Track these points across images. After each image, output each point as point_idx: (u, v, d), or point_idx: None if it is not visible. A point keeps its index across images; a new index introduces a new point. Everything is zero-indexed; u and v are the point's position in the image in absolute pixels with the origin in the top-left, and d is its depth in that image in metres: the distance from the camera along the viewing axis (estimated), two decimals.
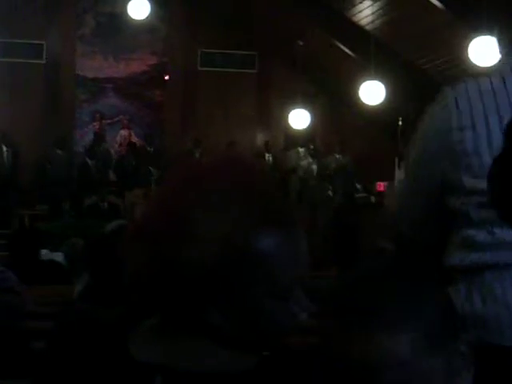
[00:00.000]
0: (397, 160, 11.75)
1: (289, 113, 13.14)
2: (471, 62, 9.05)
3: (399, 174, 11.30)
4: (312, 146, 13.65)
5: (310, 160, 13.51)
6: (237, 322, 1.12)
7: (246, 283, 1.11)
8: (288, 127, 13.57)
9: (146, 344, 1.14)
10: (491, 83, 1.75)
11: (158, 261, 1.11)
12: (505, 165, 1.23)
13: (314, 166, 13.44)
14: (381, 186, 12.44)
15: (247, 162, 1.19)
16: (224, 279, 1.10)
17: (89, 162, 12.97)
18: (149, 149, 13.59)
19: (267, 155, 13.67)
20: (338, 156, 13.49)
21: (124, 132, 14.34)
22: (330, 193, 12.31)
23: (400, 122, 11.63)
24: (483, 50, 8.95)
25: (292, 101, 13.18)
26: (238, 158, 1.20)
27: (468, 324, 1.68)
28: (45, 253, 6.21)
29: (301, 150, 13.68)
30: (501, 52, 8.60)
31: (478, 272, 1.72)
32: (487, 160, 1.65)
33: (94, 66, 14.26)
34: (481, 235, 1.72)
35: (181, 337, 1.13)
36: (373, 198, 11.95)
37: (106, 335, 1.17)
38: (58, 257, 6.35)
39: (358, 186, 12.77)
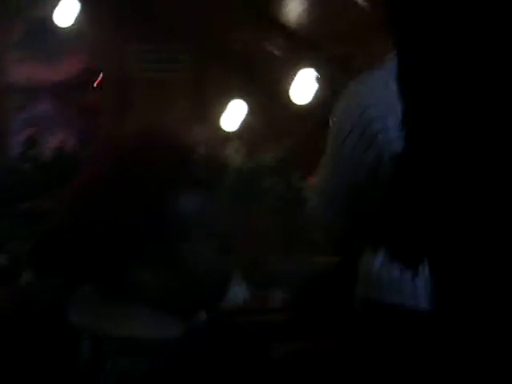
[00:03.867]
0: None
1: (225, 110, 13.18)
2: None
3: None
4: (242, 142, 13.66)
5: (243, 155, 13.54)
6: (160, 277, 1.19)
7: (162, 238, 1.21)
8: (225, 124, 13.62)
9: (80, 310, 1.22)
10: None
11: (82, 222, 1.22)
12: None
13: (247, 162, 13.47)
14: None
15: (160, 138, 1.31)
16: (143, 236, 1.19)
17: (22, 167, 12.83)
18: (83, 153, 13.49)
19: (201, 151, 13.62)
20: (272, 153, 13.56)
21: (58, 137, 14.22)
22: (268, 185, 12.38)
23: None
24: None
25: (228, 98, 13.23)
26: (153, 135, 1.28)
27: (383, 288, 1.79)
28: None
29: (235, 144, 13.70)
30: None
31: None
32: None
33: (25, 72, 14.12)
34: None
35: (110, 300, 1.21)
36: None
37: (44, 306, 1.24)
38: None
39: (294, 181, 12.87)
